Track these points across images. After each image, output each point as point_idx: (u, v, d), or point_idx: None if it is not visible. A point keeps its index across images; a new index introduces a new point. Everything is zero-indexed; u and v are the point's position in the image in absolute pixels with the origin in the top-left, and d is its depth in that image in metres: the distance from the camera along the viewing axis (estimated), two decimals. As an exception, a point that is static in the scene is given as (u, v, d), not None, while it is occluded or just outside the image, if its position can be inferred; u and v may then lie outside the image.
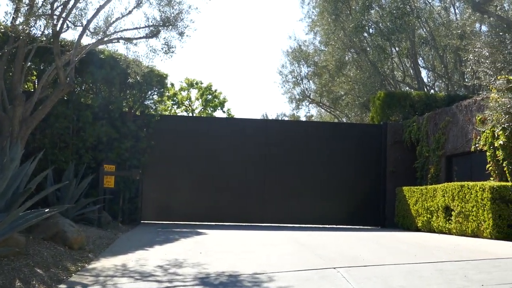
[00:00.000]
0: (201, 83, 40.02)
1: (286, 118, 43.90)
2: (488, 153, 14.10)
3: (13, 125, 11.27)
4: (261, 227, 17.20)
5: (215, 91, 40.47)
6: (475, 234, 13.11)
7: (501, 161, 13.56)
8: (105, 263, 9.09)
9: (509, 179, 13.25)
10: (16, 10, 11.78)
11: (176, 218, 18.24)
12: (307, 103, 38.42)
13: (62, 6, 12.27)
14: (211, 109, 40.11)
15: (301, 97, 37.29)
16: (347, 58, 31.44)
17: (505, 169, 13.42)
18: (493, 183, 12.97)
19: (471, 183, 13.50)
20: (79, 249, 10.03)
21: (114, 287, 7.41)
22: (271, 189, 18.80)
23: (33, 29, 12.16)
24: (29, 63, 13.11)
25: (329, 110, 38.79)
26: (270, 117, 47.84)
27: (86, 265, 8.95)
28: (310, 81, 36.71)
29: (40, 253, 8.84)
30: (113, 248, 10.91)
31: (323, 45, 33.56)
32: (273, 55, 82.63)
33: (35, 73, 14.68)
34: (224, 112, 40.87)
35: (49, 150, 14.12)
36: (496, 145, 13.67)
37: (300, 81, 36.66)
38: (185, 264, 9.01)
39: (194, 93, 40.17)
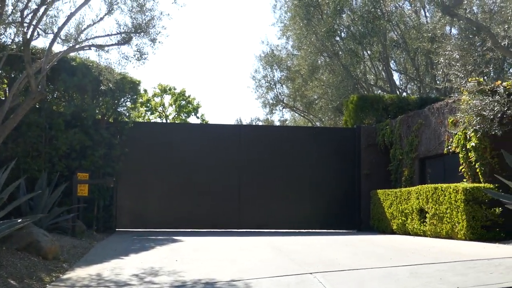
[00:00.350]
0: (175, 89, 39.90)
1: (260, 123, 43.98)
2: (460, 155, 14.19)
3: (-16, 135, 11.15)
4: (237, 233, 17.18)
5: (189, 96, 40.38)
6: (450, 235, 13.18)
7: (473, 163, 13.64)
8: (80, 273, 9.01)
9: (482, 180, 13.34)
10: (-16, 18, 11.67)
11: (152, 226, 18.15)
12: (281, 108, 38.52)
13: (32, 14, 12.16)
14: (185, 115, 40.01)
15: (274, 102, 37.37)
16: (319, 62, 31.57)
17: (477, 170, 13.49)
18: (466, 184, 13.06)
19: (444, 185, 13.58)
20: (53, 259, 9.93)
21: (89, 298, 7.35)
22: (247, 194, 18.77)
23: (3, 37, 12.08)
24: (0, 71, 12.98)
25: (302, 114, 38.91)
26: (244, 122, 47.97)
27: (61, 275, 8.86)
28: (283, 86, 36.84)
29: (14, 264, 8.74)
30: (88, 257, 10.82)
31: (296, 49, 33.71)
32: (246, 60, 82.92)
33: (5, 81, 14.54)
34: (198, 117, 40.78)
35: (22, 159, 13.98)
36: (468, 147, 13.75)
37: (274, 86, 36.75)
38: (161, 272, 8.96)
39: (167, 99, 40.06)
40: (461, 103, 13.33)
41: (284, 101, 37.47)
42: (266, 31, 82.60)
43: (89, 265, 9.89)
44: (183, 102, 40.00)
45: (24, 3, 12.00)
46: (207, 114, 72.86)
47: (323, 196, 19.08)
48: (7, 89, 14.50)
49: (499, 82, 13.07)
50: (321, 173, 19.15)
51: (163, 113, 39.76)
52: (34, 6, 12.11)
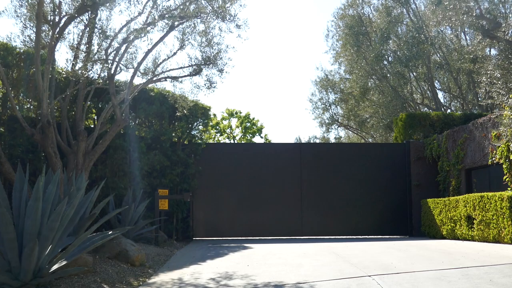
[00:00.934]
0: (240, 113, 40.10)
1: (318, 141, 43.85)
2: (504, 166, 13.90)
3: (78, 158, 11.43)
4: (300, 240, 17.13)
5: (253, 119, 40.50)
6: (497, 240, 12.89)
7: (517, 172, 13.37)
8: (164, 278, 9.12)
9: (525, 188, 13.04)
10: (75, 57, 12.03)
11: (224, 234, 18.28)
12: (336, 126, 38.31)
13: (115, 52, 12.48)
14: (250, 135, 40.11)
15: (330, 121, 37.20)
16: (370, 84, 31.33)
17: (521, 179, 13.22)
18: (510, 193, 12.77)
19: (490, 194, 13.32)
20: (140, 266, 10.10)
21: (172, 300, 7.43)
22: (308, 205, 18.74)
23: (91, 72, 12.35)
24: (89, 103, 13.31)
25: (356, 132, 38.60)
26: (302, 140, 47.78)
27: (147, 280, 8.99)
28: (338, 107, 36.66)
29: (106, 271, 8.92)
30: (170, 263, 10.96)
31: (347, 73, 33.56)
32: (303, 84, 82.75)
33: (94, 111, 14.89)
34: (261, 137, 40.83)
35: (110, 178, 14.25)
36: (511, 158, 13.47)
37: (329, 107, 36.62)
38: (235, 276, 8.99)
39: (234, 121, 40.27)
40: (503, 118, 13.09)
41: (339, 121, 37.27)
42: (320, 58, 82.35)
43: (171, 270, 10.01)
44: (248, 124, 40.16)
45: (108, 42, 12.31)
46: (270, 134, 72.96)
47: (377, 205, 18.90)
48: (95, 118, 14.85)
49: (539, 97, 12.80)
50: (375, 184, 18.99)
51: (231, 135, 39.95)
52: (116, 45, 12.42)
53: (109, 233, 8.78)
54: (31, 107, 12.87)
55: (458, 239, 14.85)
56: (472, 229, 14.09)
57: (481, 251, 11.06)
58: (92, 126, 14.54)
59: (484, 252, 10.85)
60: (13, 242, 7.04)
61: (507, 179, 13.81)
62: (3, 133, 11.77)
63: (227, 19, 12.71)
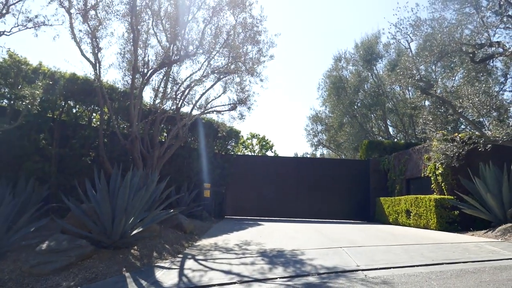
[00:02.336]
0: (259, 135, 39.94)
1: (308, 155, 43.50)
2: (432, 178, 13.65)
3: (153, 161, 11.43)
4: (296, 220, 16.95)
5: (267, 139, 40.29)
6: (426, 227, 12.63)
7: (440, 183, 13.09)
8: (205, 242, 9.04)
9: (446, 193, 12.76)
10: (155, 95, 12.12)
11: (245, 215, 18.12)
12: (321, 147, 37.95)
13: (181, 93, 12.52)
14: (264, 150, 40.00)
15: (317, 144, 36.81)
16: (345, 120, 31.06)
17: (443, 187, 12.94)
18: (436, 196, 12.54)
19: (422, 196, 13.08)
20: (190, 233, 10.03)
21: (210, 257, 7.34)
22: (302, 197, 18.57)
23: (165, 106, 12.40)
24: (162, 125, 13.32)
25: (334, 151, 38.25)
26: (299, 155, 47.52)
27: (194, 243, 8.92)
28: (323, 134, 36.30)
29: (167, 236, 8.86)
30: (209, 233, 10.88)
31: (330, 113, 33.30)
32: (301, 118, 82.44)
33: (165, 130, 14.90)
34: (272, 152, 40.59)
35: (173, 175, 14.22)
36: (437, 173, 13.23)
37: (317, 134, 36.26)
38: (252, 243, 8.89)
39: (254, 141, 40.19)
40: (432, 146, 12.88)
41: (323, 143, 36.95)
42: (313, 102, 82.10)
43: (210, 237, 9.93)
44: (264, 143, 40.07)
45: (177, 87, 12.37)
46: (278, 149, 72.57)
47: (348, 200, 18.66)
48: (166, 135, 14.87)
49: (456, 134, 12.58)
50: (346, 186, 18.77)
51: (252, 149, 39.85)
52: (182, 89, 12.47)
53: (171, 211, 8.75)
54: (125, 126, 12.92)
55: (400, 225, 14.57)
56: (409, 218, 13.81)
57: (416, 234, 10.84)
58: (164, 140, 14.58)
59: (417, 235, 10.62)
60: (108, 215, 7.03)
61: (434, 187, 13.56)
62: (106, 143, 11.81)
63: (254, 75, 12.72)
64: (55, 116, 10.76)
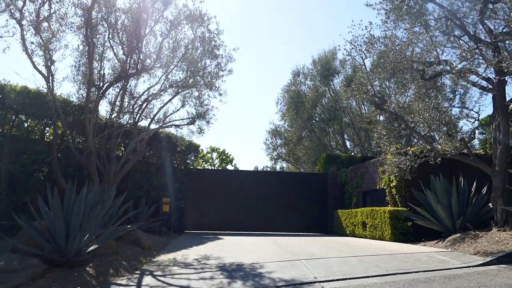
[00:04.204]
0: (219, 149, 39.93)
1: (268, 169, 43.78)
2: (387, 190, 14.10)
3: (110, 176, 11.25)
4: (255, 234, 17.02)
5: (227, 153, 40.37)
6: (381, 238, 13.00)
7: (394, 195, 13.55)
8: (163, 258, 8.96)
9: (399, 205, 13.22)
10: (112, 109, 12.02)
11: (205, 229, 18.02)
12: (281, 161, 38.29)
13: (138, 107, 12.46)
14: (224, 164, 39.96)
15: (277, 157, 37.13)
16: (303, 134, 31.61)
17: (397, 199, 13.39)
18: (390, 208, 12.96)
19: (377, 208, 13.49)
20: (148, 249, 9.90)
21: (169, 272, 7.29)
22: (262, 211, 18.69)
23: (122, 120, 12.29)
24: (119, 140, 13.15)
25: (293, 165, 38.66)
26: (259, 168, 47.74)
27: (152, 259, 8.82)
28: (282, 148, 36.70)
29: (125, 252, 8.73)
30: (168, 248, 10.76)
31: (289, 127, 33.80)
32: (261, 132, 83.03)
33: (122, 145, 14.69)
34: (232, 165, 40.66)
35: (130, 190, 14.01)
36: (391, 185, 13.68)
37: (276, 148, 36.59)
38: (211, 258, 8.89)
39: (214, 155, 40.10)
40: (387, 160, 13.34)
41: (283, 157, 37.29)
42: (272, 116, 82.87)
43: (169, 252, 9.83)
44: (224, 157, 40.07)
45: (134, 101, 12.29)
46: (238, 163, 72.54)
47: (306, 213, 18.94)
48: (123, 150, 14.66)
49: (409, 148, 13.11)
50: (305, 199, 19.06)
51: (212, 163, 39.74)
52: (139, 103, 12.41)
53: (128, 226, 8.64)
54: (80, 141, 12.66)
55: (356, 236, 14.92)
56: (365, 230, 14.19)
57: (371, 245, 11.15)
58: (121, 155, 14.36)
59: (372, 246, 10.93)
60: (62, 232, 6.88)
61: (388, 198, 14.00)
62: (60, 158, 11.52)
63: (213, 89, 12.86)
64: (5, 131, 10.42)
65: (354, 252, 9.66)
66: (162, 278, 6.83)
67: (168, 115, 13.42)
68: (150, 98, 12.42)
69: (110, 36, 11.44)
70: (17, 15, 9.40)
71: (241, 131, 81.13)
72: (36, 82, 15.56)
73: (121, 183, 13.76)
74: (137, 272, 7.38)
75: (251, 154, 76.92)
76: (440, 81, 12.74)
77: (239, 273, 7.11)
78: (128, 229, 8.59)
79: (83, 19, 10.54)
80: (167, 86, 12.40)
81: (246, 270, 7.36)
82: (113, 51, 11.66)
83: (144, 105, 12.50)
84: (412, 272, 6.97)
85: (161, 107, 12.90)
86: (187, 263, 8.20)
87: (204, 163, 38.09)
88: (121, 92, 12.19)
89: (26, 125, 11.23)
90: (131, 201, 12.39)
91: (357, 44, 12.01)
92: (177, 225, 16.61)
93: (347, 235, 15.90)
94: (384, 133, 12.83)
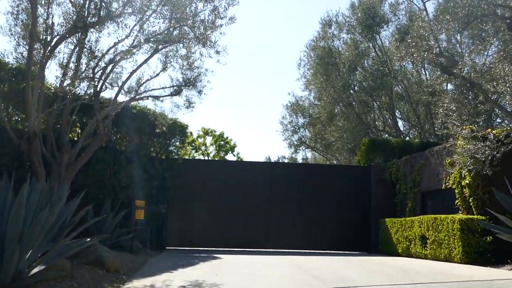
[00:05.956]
0: (215, 131, 40.13)
1: (286, 160, 43.86)
2: (456, 191, 14.06)
3: (61, 169, 11.32)
4: (265, 252, 17.07)
5: (227, 138, 40.57)
6: (447, 259, 13.00)
7: (467, 197, 13.51)
8: (137, 284, 9.01)
9: (475, 212, 13.19)
10: (64, 74, 11.96)
11: (196, 245, 18.10)
12: (304, 148, 38.44)
13: (101, 71, 12.46)
14: (223, 153, 40.15)
15: (298, 143, 37.30)
16: (336, 110, 31.55)
17: (471, 204, 13.36)
18: (461, 216, 12.93)
19: (443, 216, 13.46)
20: (115, 272, 9.96)
21: (144, 306, 7.35)
22: (275, 219, 18.73)
23: (78, 89, 12.32)
24: (74, 117, 13.22)
25: (322, 154, 38.77)
26: (272, 160, 47.84)
27: (121, 285, 8.87)
28: (306, 130, 36.76)
29: (83, 276, 8.79)
30: (143, 271, 10.83)
31: (316, 100, 33.74)
32: (275, 108, 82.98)
33: (78, 125, 14.76)
34: (234, 155, 40.90)
35: (90, 189, 14.09)
36: (463, 184, 13.64)
37: (298, 130, 36.73)
38: (204, 284, 8.92)
39: (209, 139, 40.26)
40: (457, 147, 13.26)
41: (306, 143, 37.38)
42: (292, 85, 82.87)
43: (144, 277, 9.89)
44: (222, 143, 40.21)
45: (95, 62, 12.28)
46: (242, 153, 72.82)
47: (339, 223, 18.95)
48: (79, 132, 14.72)
49: (489, 130, 13.01)
50: (338, 203, 19.06)
51: (205, 152, 39.92)
52: (103, 65, 12.42)
53: (87, 240, 8.69)
54: (19, 119, 12.73)
55: (412, 256, 14.94)
56: (425, 248, 14.19)
57: (433, 269, 11.15)
58: (76, 139, 14.40)
59: (435, 270, 10.93)
60: (-5, 247, 6.92)
61: (459, 203, 13.96)
62: (-9, 142, 11.61)
63: (208, 45, 12.77)
64: None
65: (408, 278, 9.66)
66: (135, 313, 6.89)
67: (144, 82, 13.44)
68: (117, 58, 12.40)
69: (61, -33, 11.40)
70: None
71: (247, 109, 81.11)
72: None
73: (77, 179, 13.80)
74: (101, 304, 7.45)
75: (262, 141, 77.11)
76: (536, 34, 12.56)
77: (245, 307, 7.15)
78: (87, 244, 8.64)
79: None
80: (142, 40, 12.35)
81: (254, 303, 7.40)
82: (66, -8, 11.63)
83: (109, 68, 12.49)
84: (492, 308, 6.96)
85: (133, 71, 12.89)
86: (170, 293, 8.25)
87: (194, 151, 38.26)
88: (77, 49, 12.17)
89: None
90: (91, 204, 12.47)
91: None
92: (156, 239, 16.70)
93: (399, 255, 15.91)
94: (454, 108, 12.75)
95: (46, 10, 11.53)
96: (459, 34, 19.83)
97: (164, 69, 13.40)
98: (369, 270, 11.00)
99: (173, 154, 18.18)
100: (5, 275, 6.96)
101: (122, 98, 13.29)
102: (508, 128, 12.31)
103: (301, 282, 9.07)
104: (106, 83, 12.71)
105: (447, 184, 14.83)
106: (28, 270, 7.35)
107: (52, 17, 11.57)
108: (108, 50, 12.36)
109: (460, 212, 13.85)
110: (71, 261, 9.30)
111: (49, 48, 11.16)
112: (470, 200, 13.39)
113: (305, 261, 13.05)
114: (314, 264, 12.30)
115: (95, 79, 12.42)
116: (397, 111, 31.47)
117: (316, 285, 8.75)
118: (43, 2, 11.44)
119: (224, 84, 72.99)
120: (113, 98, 13.00)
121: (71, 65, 12.22)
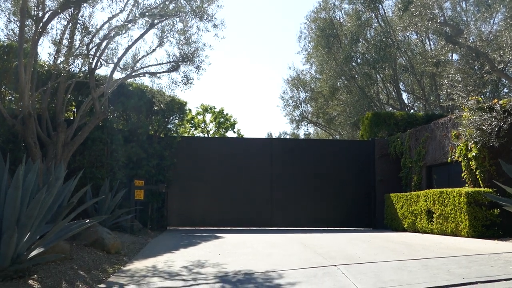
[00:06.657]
0: (214, 108, 40.12)
1: (288, 136, 43.90)
2: (463, 164, 14.07)
3: (57, 149, 11.31)
4: (269, 230, 17.13)
5: (227, 114, 40.55)
6: (454, 233, 13.06)
7: (474, 170, 13.53)
8: (138, 265, 9.06)
9: (482, 185, 13.21)
10: (57, 51, 11.89)
11: (197, 224, 18.21)
12: (306, 123, 38.46)
13: (96, 47, 12.37)
14: (223, 130, 40.18)
15: (300, 118, 37.32)
16: (339, 84, 31.51)
17: (478, 176, 13.38)
18: (468, 189, 12.94)
19: (449, 190, 13.49)
20: (115, 253, 10.02)
21: (146, 286, 7.38)
22: (278, 196, 18.77)
23: (72, 66, 12.24)
24: (69, 96, 13.16)
25: (324, 129, 38.80)
26: (273, 136, 47.86)
27: (122, 267, 8.92)
28: (308, 105, 36.77)
29: (83, 258, 8.83)
30: (144, 251, 10.89)
31: (318, 73, 33.66)
32: (276, 82, 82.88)
33: (74, 104, 14.73)
34: (234, 132, 40.92)
35: (88, 169, 14.12)
36: (469, 156, 13.65)
37: (299, 105, 36.75)
38: (207, 264, 8.97)
39: (208, 116, 40.26)
40: (462, 119, 13.24)
41: (308, 118, 37.39)
42: (292, 58, 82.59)
43: (146, 258, 9.94)
44: (222, 119, 40.18)
45: (89, 38, 12.18)
46: (242, 129, 72.85)
47: (343, 199, 19.03)
48: (75, 110, 14.70)
49: (496, 100, 12.97)
50: (341, 179, 19.12)
51: (205, 129, 39.95)
52: (97, 41, 12.32)
53: (86, 221, 8.69)
54: (13, 99, 12.69)
55: (418, 231, 15.01)
56: (431, 222, 14.24)
57: (440, 243, 11.19)
58: (72, 118, 14.40)
59: (442, 245, 10.97)
60: (-8, 230, 6.94)
61: (465, 176, 13.99)
62: (-16, 123, 11.60)
63: (205, 18, 12.68)
64: None
65: (414, 253, 9.70)
66: (137, 294, 6.92)
67: (140, 59, 13.35)
68: (112, 34, 12.31)
69: None
70: None
71: (248, 84, 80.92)
72: None
73: (74, 159, 13.84)
74: (101, 285, 7.48)
75: (262, 117, 77.00)
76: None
77: (248, 286, 7.17)
78: (86, 225, 8.65)
79: None
80: (137, 15, 12.24)
81: (257, 282, 7.42)
82: (57, -36, 11.51)
83: (104, 44, 12.41)
84: (501, 280, 6.98)
85: (129, 47, 12.80)
86: (172, 273, 8.28)
87: (193, 128, 38.25)
88: (70, 25, 12.08)
89: None
90: (89, 184, 12.50)
91: None
92: (157, 219, 16.78)
93: (404, 230, 15.99)
94: (459, 79, 12.70)
95: (37, -15, 11.42)
96: (464, 2, 19.68)
97: (160, 44, 13.32)
98: (375, 247, 11.03)
99: (172, 132, 18.16)
100: (4, 259, 6.98)
101: (118, 75, 13.25)
102: (516, 98, 12.27)
103: (307, 260, 9.10)
104: (101, 60, 12.63)
105: (453, 157, 14.84)
106: (26, 253, 7.38)
107: (44, -8, 11.46)
108: (103, 25, 12.26)
109: (466, 185, 13.88)
110: (70, 243, 9.34)
111: (41, 24, 11.06)
112: (477, 173, 13.42)
113: (311, 239, 13.09)
114: (319, 241, 12.34)
115: (90, 56, 12.35)
116: (401, 83, 31.39)
117: (321, 262, 8.78)
118: (34, -24, 11.32)
119: (223, 59, 72.69)
120: (108, 75, 12.94)
121: (65, 41, 12.14)
